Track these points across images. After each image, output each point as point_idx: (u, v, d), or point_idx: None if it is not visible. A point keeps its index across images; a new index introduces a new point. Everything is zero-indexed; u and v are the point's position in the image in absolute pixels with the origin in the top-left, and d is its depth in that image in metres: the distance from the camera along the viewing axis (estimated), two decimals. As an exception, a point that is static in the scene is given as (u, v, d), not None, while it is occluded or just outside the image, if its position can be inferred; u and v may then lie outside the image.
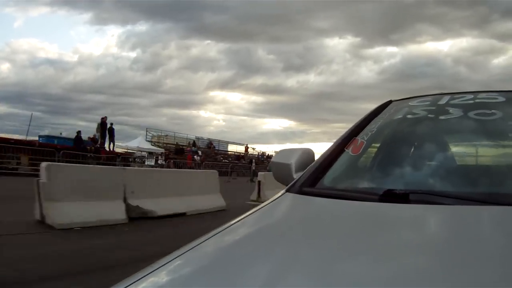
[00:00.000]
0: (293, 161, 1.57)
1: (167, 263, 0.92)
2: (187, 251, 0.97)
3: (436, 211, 1.04)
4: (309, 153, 1.65)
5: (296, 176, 1.47)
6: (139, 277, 0.87)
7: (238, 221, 1.15)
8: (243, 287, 0.77)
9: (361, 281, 0.74)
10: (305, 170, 1.44)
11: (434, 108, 1.55)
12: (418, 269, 0.76)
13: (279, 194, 1.32)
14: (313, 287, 0.76)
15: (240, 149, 40.53)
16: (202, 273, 0.88)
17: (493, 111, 1.43)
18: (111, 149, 21.56)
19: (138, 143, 28.83)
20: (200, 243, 1.01)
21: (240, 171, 29.95)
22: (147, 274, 0.88)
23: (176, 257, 0.94)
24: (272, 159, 1.72)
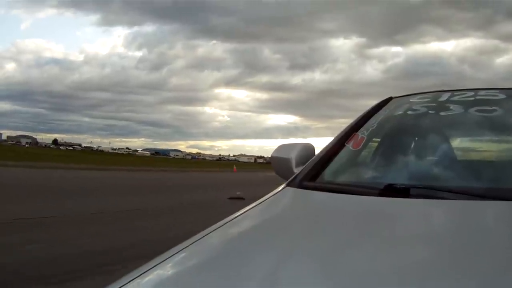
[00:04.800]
0: (293, 156, 1.58)
1: (172, 256, 0.93)
2: (192, 244, 0.99)
3: (437, 205, 1.04)
4: (309, 148, 1.66)
5: (296, 170, 1.48)
6: (145, 270, 0.88)
7: (240, 215, 1.16)
8: (247, 279, 0.79)
9: (362, 271, 0.75)
10: (305, 165, 1.44)
11: (434, 104, 1.55)
12: (419, 261, 0.77)
13: (280, 188, 1.33)
14: (316, 277, 0.77)
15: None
16: (207, 265, 0.89)
17: (493, 107, 1.42)
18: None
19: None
20: (204, 236, 1.02)
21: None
22: (153, 267, 0.89)
23: (181, 250, 0.96)
24: (272, 154, 1.73)
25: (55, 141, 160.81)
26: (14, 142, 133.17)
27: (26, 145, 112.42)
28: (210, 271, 0.85)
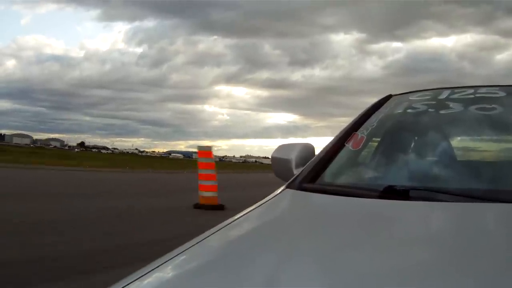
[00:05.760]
0: (293, 157, 1.59)
1: (172, 258, 0.94)
2: (192, 246, 0.99)
3: (436, 208, 1.04)
4: (309, 148, 1.67)
5: (296, 171, 1.48)
6: (144, 273, 0.88)
7: (239, 217, 1.16)
8: (247, 281, 0.79)
9: (362, 273, 0.75)
10: (305, 166, 1.44)
11: (434, 102, 1.54)
12: (419, 264, 0.77)
13: (279, 190, 1.33)
14: (317, 279, 0.77)
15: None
16: (207, 267, 0.90)
17: (493, 105, 1.41)
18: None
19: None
20: (204, 239, 1.03)
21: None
22: (152, 270, 0.89)
23: (181, 252, 0.96)
24: (272, 154, 1.73)
25: (82, 144, 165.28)
26: (53, 146, 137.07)
27: (76, 150, 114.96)
28: (210, 273, 0.86)
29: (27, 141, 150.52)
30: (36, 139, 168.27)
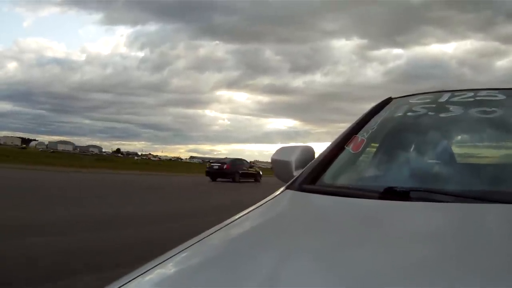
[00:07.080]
0: (293, 159, 1.59)
1: (173, 256, 0.94)
2: (193, 244, 1.00)
3: (437, 208, 1.04)
4: (309, 151, 1.67)
5: (296, 173, 1.48)
6: (146, 270, 0.89)
7: (240, 217, 1.17)
8: (248, 279, 0.79)
9: (362, 273, 0.75)
10: (305, 168, 1.44)
11: (434, 105, 1.54)
12: (418, 263, 0.77)
13: (279, 191, 1.33)
14: (316, 279, 0.77)
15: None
16: (208, 265, 0.90)
17: (493, 108, 1.41)
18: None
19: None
20: (205, 238, 1.03)
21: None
22: (154, 267, 0.90)
23: (182, 250, 0.97)
24: (272, 157, 1.73)
25: (118, 150, 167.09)
26: (95, 152, 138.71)
27: (135, 157, 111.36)
28: (211, 272, 0.86)
29: (69, 147, 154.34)
30: (76, 147, 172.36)
